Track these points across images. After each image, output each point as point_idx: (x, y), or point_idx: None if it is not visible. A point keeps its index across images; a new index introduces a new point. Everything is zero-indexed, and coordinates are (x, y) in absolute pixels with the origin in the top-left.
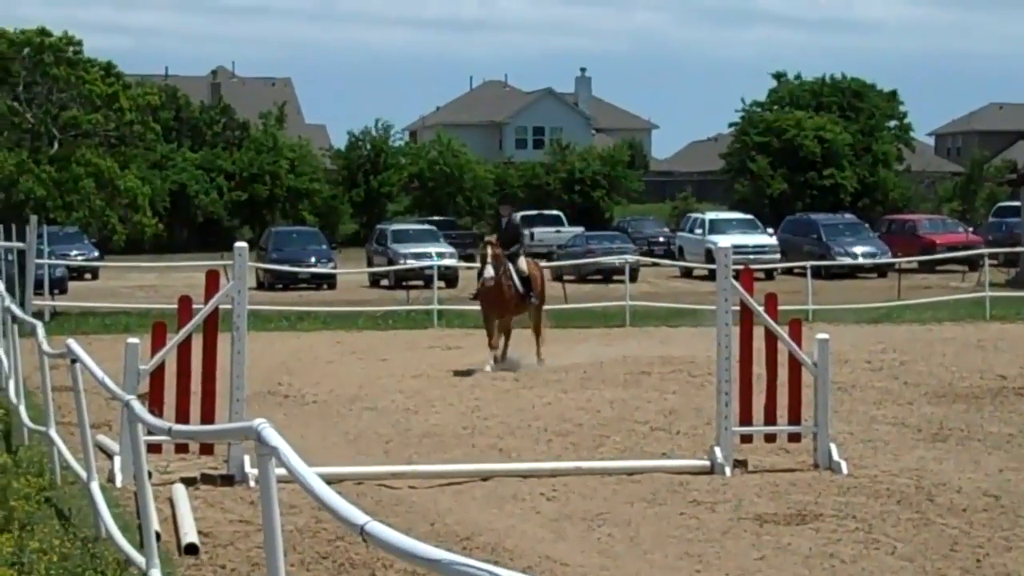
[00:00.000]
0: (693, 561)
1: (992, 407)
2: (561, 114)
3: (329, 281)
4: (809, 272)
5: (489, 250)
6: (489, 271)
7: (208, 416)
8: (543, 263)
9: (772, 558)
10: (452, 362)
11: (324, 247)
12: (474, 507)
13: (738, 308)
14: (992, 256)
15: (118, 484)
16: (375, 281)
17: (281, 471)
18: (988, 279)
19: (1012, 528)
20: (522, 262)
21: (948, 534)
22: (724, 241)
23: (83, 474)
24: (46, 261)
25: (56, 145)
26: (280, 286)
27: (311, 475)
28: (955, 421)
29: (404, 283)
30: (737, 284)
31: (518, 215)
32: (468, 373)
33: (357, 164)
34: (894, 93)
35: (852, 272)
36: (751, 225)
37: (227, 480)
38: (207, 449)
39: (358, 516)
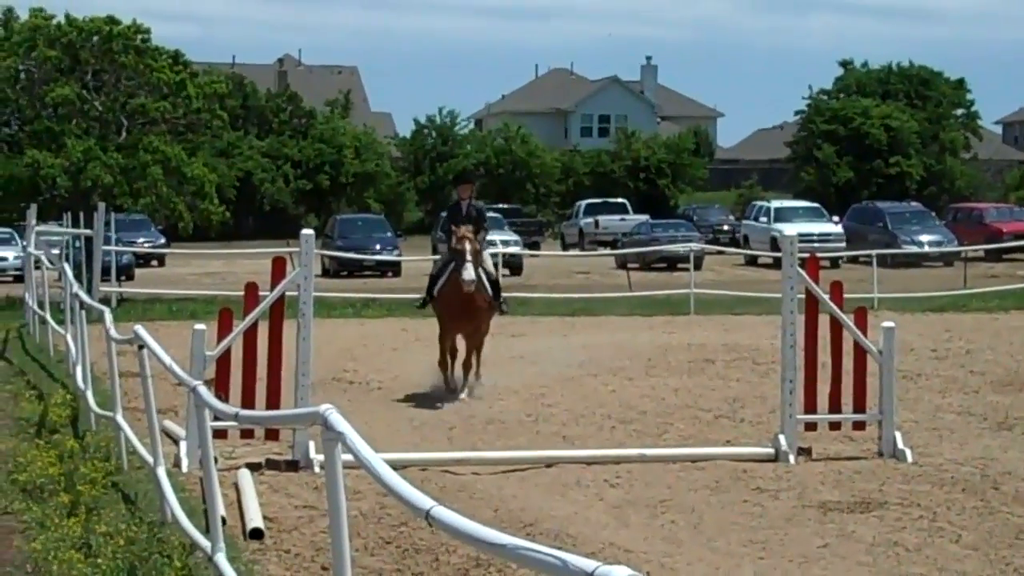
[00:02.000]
0: (756, 548)
1: None
2: (626, 102)
3: (394, 268)
4: (875, 260)
5: (467, 245)
6: (469, 271)
7: (273, 402)
8: (607, 251)
9: (836, 546)
10: (517, 349)
11: (389, 235)
12: (538, 494)
13: (803, 296)
14: None
15: (184, 469)
16: None
17: (346, 457)
18: None
19: None
20: (488, 260)
21: (1013, 523)
22: (790, 229)
23: (149, 459)
24: (113, 248)
25: (124, 133)
26: (345, 273)
27: (377, 460)
28: (1020, 410)
29: None
30: (803, 272)
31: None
32: (447, 392)
33: (423, 152)
34: (961, 81)
35: (918, 260)
36: (817, 213)
37: (292, 466)
38: (272, 435)
39: (424, 501)
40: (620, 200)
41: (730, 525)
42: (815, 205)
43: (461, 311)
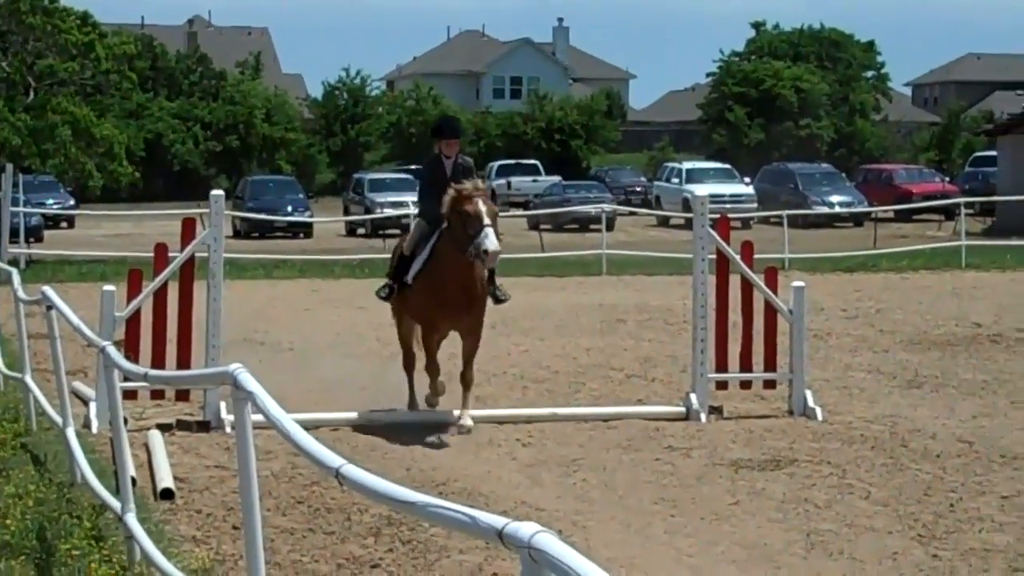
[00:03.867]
0: (668, 506)
1: (967, 354)
2: (538, 64)
3: (305, 230)
4: (786, 221)
5: (481, 205)
6: (492, 240)
7: (184, 363)
8: (519, 212)
9: (746, 503)
10: None
11: (300, 196)
12: (450, 453)
13: (714, 256)
14: (968, 205)
15: (94, 430)
16: (352, 230)
17: (257, 417)
18: (964, 228)
19: (985, 473)
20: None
21: (922, 479)
22: (701, 190)
23: (59, 420)
24: (22, 209)
25: (32, 94)
26: (256, 235)
27: (287, 419)
28: (930, 368)
29: (381, 232)
30: (713, 232)
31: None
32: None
33: (334, 113)
34: (872, 43)
35: (829, 221)
36: (728, 174)
37: (203, 426)
38: (183, 396)
39: (333, 459)
40: (532, 162)
41: (642, 483)
42: (726, 166)
43: (459, 300)
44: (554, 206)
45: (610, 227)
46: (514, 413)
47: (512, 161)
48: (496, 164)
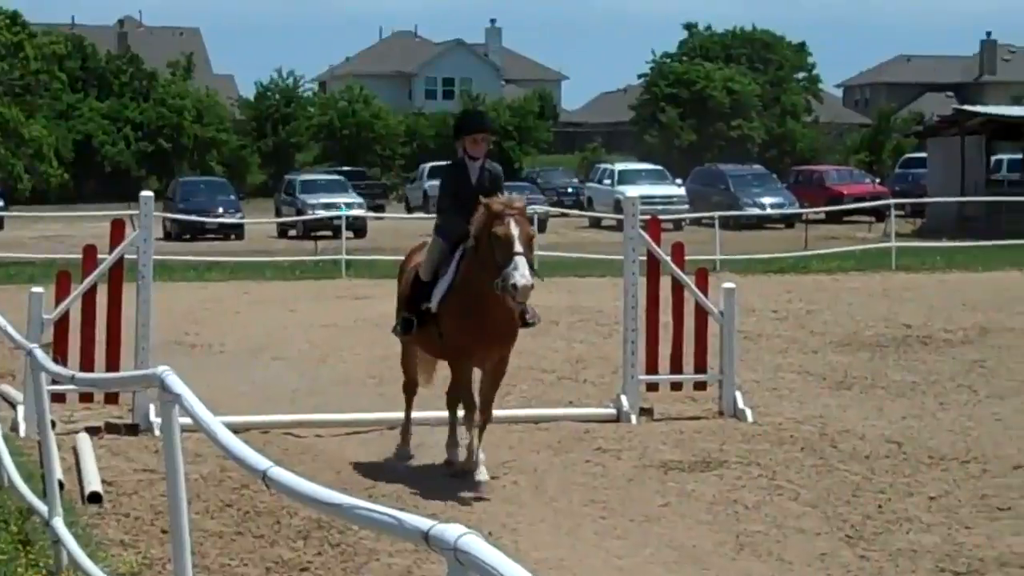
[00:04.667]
0: (598, 508)
1: (896, 356)
2: (471, 65)
3: (236, 231)
4: (717, 222)
5: (514, 229)
6: (524, 274)
7: (113, 366)
8: None
9: (676, 504)
10: (361, 312)
11: (232, 197)
12: (381, 456)
13: (645, 258)
14: (898, 207)
15: (21, 433)
16: (283, 231)
17: (187, 420)
18: (894, 229)
19: (913, 474)
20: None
21: (850, 480)
22: (632, 191)
23: None
24: None
25: None
26: (187, 236)
27: (214, 422)
28: (859, 369)
29: (313, 233)
30: (645, 234)
31: (426, 166)
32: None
33: (266, 114)
34: (803, 45)
35: (760, 223)
36: (660, 176)
37: (132, 429)
38: (112, 399)
39: (260, 462)
40: None
41: (572, 485)
42: (658, 168)
43: (493, 333)
44: None
45: (542, 228)
46: (445, 415)
47: (445, 163)
48: (428, 166)
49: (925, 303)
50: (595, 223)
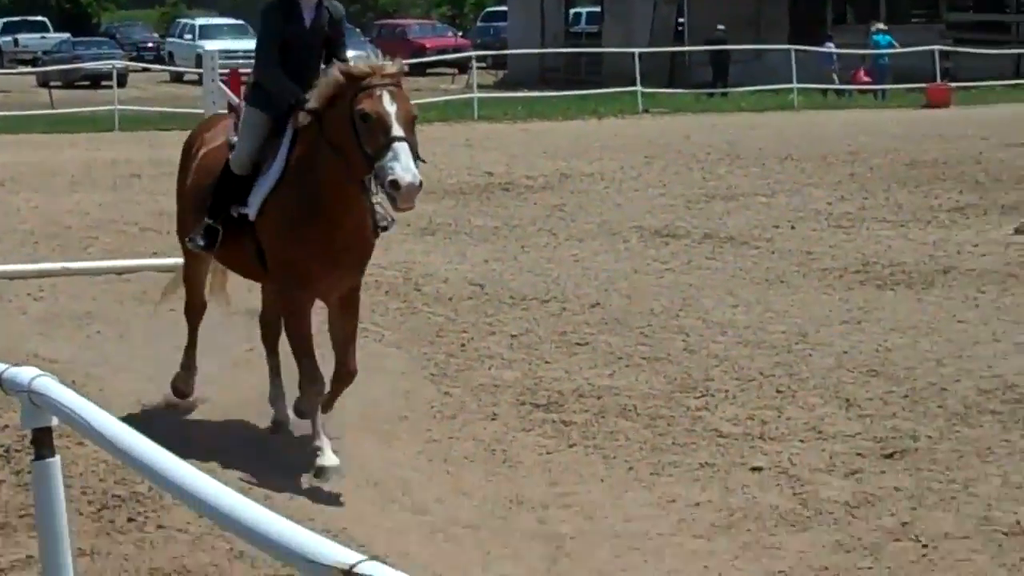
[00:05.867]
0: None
1: (479, 202)
2: None
3: None
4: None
5: (389, 104)
6: (410, 167)
7: None
8: (27, 69)
9: (260, 349)
10: None
11: None
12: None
13: (226, 111)
14: (480, 59)
15: None
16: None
17: None
18: (476, 81)
19: (496, 314)
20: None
21: (434, 321)
22: (213, 45)
23: None
24: None
25: None
26: None
27: None
28: (443, 216)
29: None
30: (225, 87)
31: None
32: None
33: None
34: None
35: None
36: (241, 30)
37: None
38: None
39: None
40: (40, 18)
41: (157, 335)
42: (240, 22)
43: (341, 249)
44: (64, 63)
45: (122, 83)
46: (24, 268)
47: (19, 18)
48: (1, 21)
49: (507, 152)
50: (176, 78)
